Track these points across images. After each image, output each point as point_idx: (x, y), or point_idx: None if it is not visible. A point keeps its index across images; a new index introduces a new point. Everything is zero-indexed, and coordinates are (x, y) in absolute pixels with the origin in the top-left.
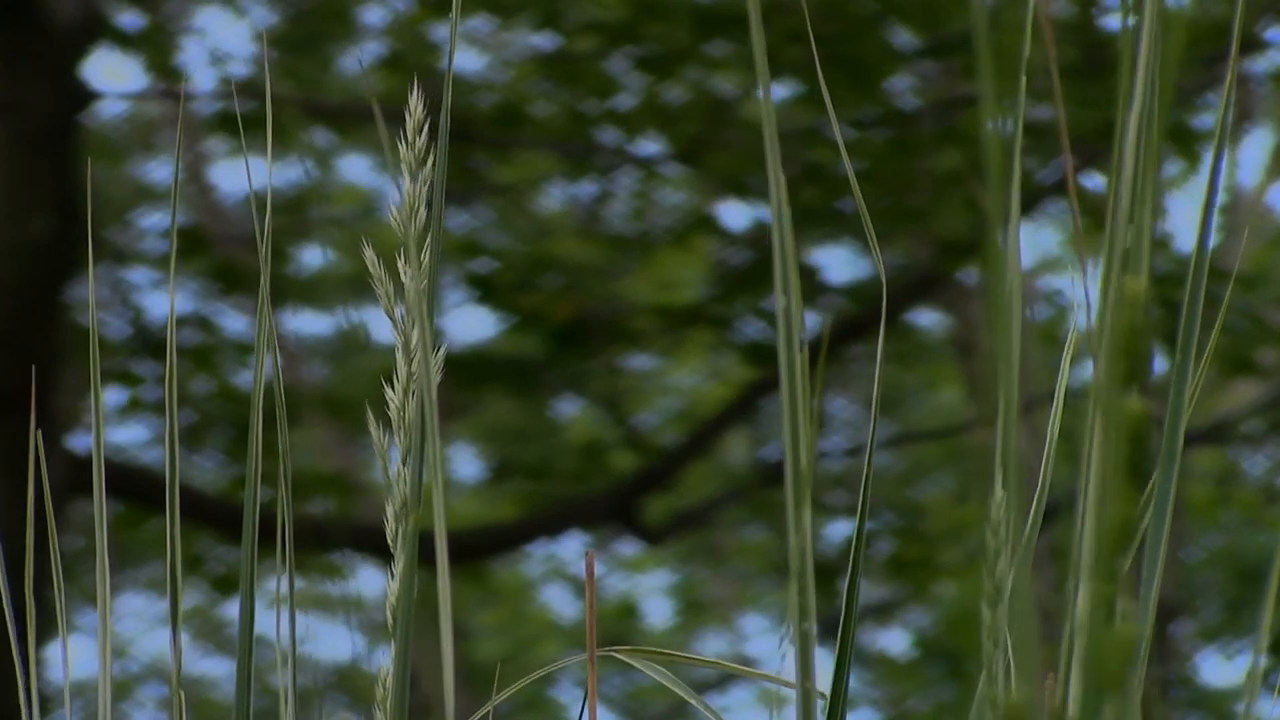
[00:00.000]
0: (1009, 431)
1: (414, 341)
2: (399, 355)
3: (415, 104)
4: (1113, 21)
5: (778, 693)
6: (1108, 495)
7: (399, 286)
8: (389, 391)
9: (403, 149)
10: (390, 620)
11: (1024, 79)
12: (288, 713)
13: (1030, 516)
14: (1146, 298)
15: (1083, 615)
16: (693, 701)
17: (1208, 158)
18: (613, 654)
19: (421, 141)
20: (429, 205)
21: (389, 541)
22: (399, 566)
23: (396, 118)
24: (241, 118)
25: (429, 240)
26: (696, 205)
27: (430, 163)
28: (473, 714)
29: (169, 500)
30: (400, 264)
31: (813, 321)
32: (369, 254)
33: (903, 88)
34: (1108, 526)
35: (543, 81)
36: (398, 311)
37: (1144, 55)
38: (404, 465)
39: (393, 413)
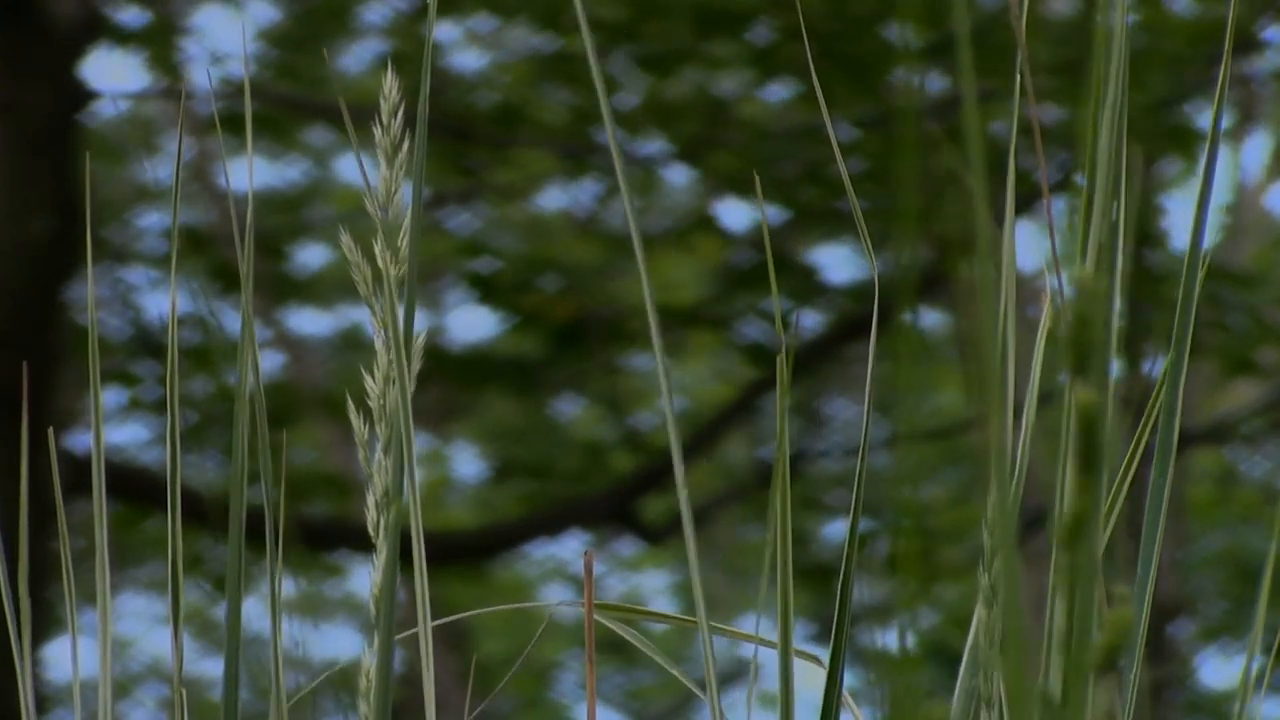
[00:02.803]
0: (999, 431)
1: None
2: (379, 344)
3: (390, 90)
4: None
5: (775, 695)
6: (1068, 487)
7: (379, 275)
8: (368, 380)
9: (378, 135)
10: (373, 611)
11: (1018, 77)
12: (279, 713)
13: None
14: (1104, 288)
15: (1062, 608)
16: (645, 648)
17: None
18: (601, 618)
19: (397, 127)
20: (411, 193)
21: (370, 532)
22: (381, 557)
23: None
24: (243, 117)
25: (406, 226)
26: (697, 205)
27: (406, 148)
28: (473, 713)
29: (170, 500)
30: (378, 251)
31: (812, 321)
32: (346, 240)
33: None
34: (1064, 519)
35: (543, 81)
36: (377, 301)
37: (1115, 50)
38: (385, 455)
39: (373, 402)
